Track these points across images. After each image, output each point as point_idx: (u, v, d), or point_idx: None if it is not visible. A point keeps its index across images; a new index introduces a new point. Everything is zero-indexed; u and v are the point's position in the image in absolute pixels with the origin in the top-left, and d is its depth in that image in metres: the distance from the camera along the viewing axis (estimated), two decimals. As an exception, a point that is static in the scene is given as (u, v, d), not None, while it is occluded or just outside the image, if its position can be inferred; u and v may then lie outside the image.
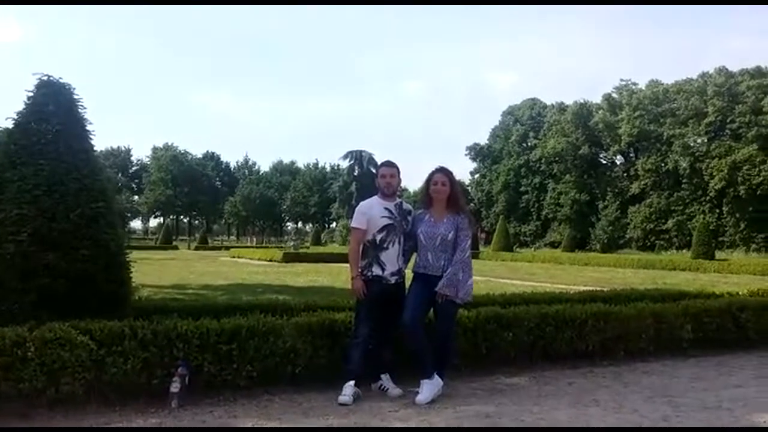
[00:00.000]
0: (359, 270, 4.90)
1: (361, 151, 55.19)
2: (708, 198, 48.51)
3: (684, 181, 50.38)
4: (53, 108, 4.86)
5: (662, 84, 55.44)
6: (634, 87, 57.06)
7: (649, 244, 51.43)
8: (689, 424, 4.13)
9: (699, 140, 50.36)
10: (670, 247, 49.47)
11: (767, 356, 6.59)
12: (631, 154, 57.59)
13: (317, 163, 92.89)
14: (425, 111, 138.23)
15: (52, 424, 3.88)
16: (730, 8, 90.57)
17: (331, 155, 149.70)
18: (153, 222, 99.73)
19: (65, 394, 4.04)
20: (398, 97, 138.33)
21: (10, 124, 4.87)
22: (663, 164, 51.92)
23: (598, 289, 9.44)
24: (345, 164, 59.84)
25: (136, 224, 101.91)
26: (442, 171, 4.95)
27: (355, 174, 55.26)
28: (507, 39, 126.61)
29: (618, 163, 59.63)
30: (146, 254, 32.32)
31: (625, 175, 56.73)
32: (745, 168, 45.09)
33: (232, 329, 4.59)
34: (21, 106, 4.88)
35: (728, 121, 47.96)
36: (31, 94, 4.89)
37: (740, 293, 8.03)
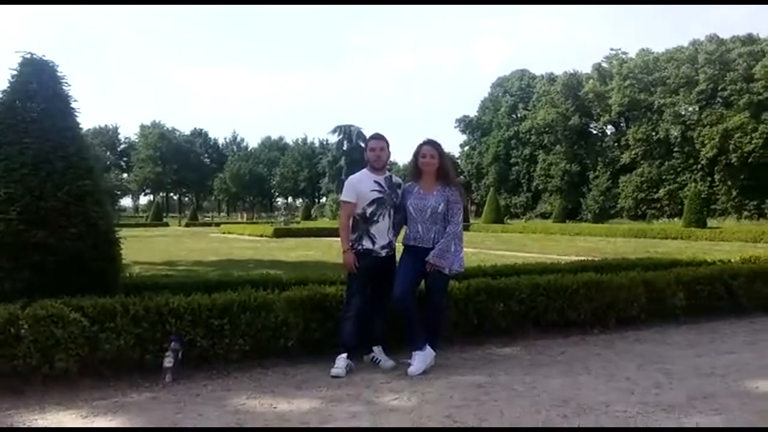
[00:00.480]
0: (350, 243, 4.89)
1: (349, 126, 54.97)
2: (699, 166, 48.72)
3: (675, 149, 50.51)
4: (37, 86, 4.80)
5: (653, 53, 55.22)
6: (624, 56, 56.79)
7: (640, 213, 51.74)
8: (682, 390, 4.19)
9: (690, 108, 50.39)
10: (661, 216, 49.82)
11: (759, 322, 6.68)
12: (622, 124, 57.59)
13: (306, 139, 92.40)
14: (413, 84, 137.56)
15: (46, 401, 3.88)
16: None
17: (319, 130, 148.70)
18: (143, 200, 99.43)
19: (59, 370, 4.04)
20: (386, 70, 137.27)
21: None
22: (654, 133, 51.98)
23: (590, 258, 9.50)
24: (334, 139, 59.66)
25: (127, 202, 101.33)
26: (431, 143, 4.92)
27: (344, 149, 55.11)
28: (495, 10, 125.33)
29: (608, 133, 59.65)
30: (137, 232, 32.27)
31: (615, 144, 56.78)
32: (736, 135, 45.23)
33: (224, 304, 4.59)
34: (4, 85, 4.80)
35: (719, 88, 47.94)
36: (14, 72, 4.82)
37: (732, 260, 8.10)
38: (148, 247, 18.81)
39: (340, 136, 56.19)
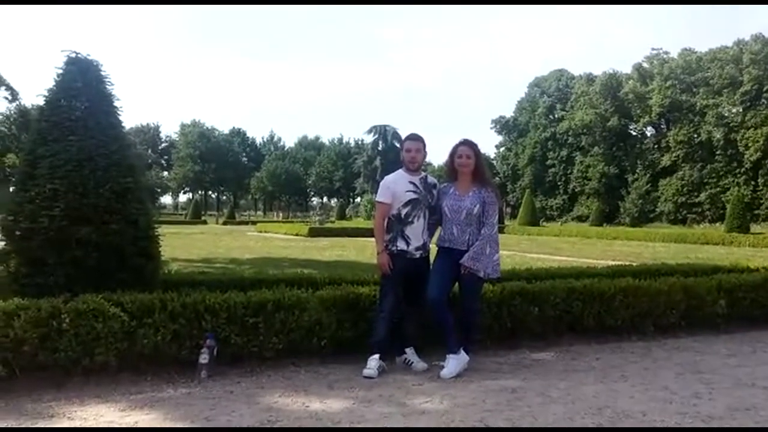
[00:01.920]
0: (384, 244, 4.89)
1: (385, 126, 55.01)
2: (743, 170, 47.37)
3: (718, 152, 49.20)
4: (81, 85, 4.90)
5: (695, 52, 53.90)
6: (665, 56, 55.59)
7: (680, 217, 50.57)
8: (722, 401, 4.07)
9: (734, 110, 49.00)
10: (702, 220, 48.54)
11: (802, 332, 6.45)
12: (662, 126, 56.35)
13: (341, 138, 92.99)
14: (450, 84, 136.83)
15: (85, 393, 3.99)
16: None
17: (355, 130, 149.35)
18: (182, 197, 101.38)
19: (99, 364, 4.15)
20: (422, 70, 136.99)
21: (41, 102, 4.94)
22: (696, 135, 50.72)
23: (628, 263, 9.30)
24: (369, 139, 59.80)
25: (166, 200, 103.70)
26: (467, 144, 4.88)
27: (379, 149, 55.17)
28: (532, 9, 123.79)
29: (648, 134, 58.44)
30: (176, 229, 32.87)
31: (655, 147, 55.59)
32: (782, 139, 43.80)
33: (259, 302, 4.65)
34: (51, 84, 4.93)
35: (765, 90, 46.47)
36: (60, 71, 4.93)
37: (775, 268, 7.82)
38: (186, 245, 19.15)
39: (376, 136, 56.30)
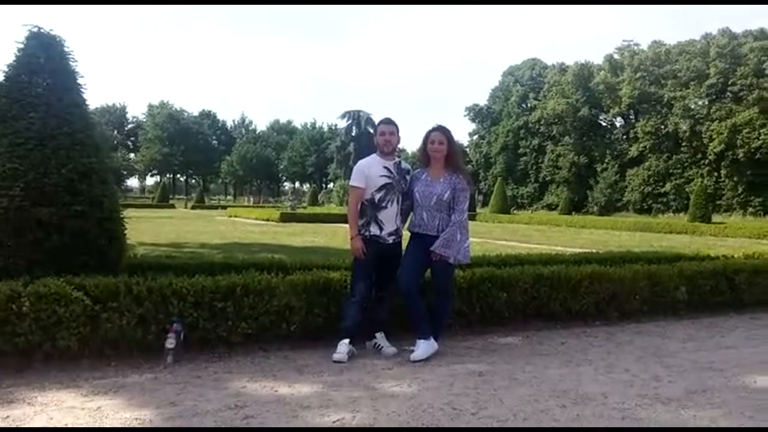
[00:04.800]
0: (358, 229, 4.87)
1: (358, 111, 54.70)
2: (707, 161, 48.37)
3: (683, 143, 50.14)
4: (43, 60, 4.75)
5: (665, 45, 54.64)
6: (636, 48, 56.24)
7: (646, 207, 51.50)
8: (680, 383, 4.18)
9: (700, 102, 49.92)
10: (667, 210, 49.57)
11: (759, 318, 6.67)
12: (632, 117, 57.16)
13: (314, 123, 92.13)
14: (424, 71, 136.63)
15: (46, 379, 3.91)
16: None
17: (328, 115, 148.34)
18: (150, 180, 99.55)
19: (61, 349, 4.07)
20: (398, 56, 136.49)
21: (0, 77, 4.76)
22: (663, 127, 51.58)
23: (594, 251, 9.46)
24: (342, 124, 59.36)
25: (133, 182, 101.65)
26: (440, 129, 4.88)
27: (353, 134, 54.86)
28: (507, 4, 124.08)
29: (618, 125, 59.21)
30: (143, 212, 32.35)
31: (624, 137, 56.42)
32: (744, 131, 44.84)
33: (227, 287, 4.59)
34: (11, 59, 4.76)
35: (730, 83, 47.45)
36: (21, 45, 4.76)
37: (735, 256, 8.06)
38: (153, 229, 18.85)
39: (349, 122, 55.91)
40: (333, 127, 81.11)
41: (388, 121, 5.03)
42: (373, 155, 5.02)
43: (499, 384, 4.07)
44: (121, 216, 5.05)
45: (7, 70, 4.72)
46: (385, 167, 4.89)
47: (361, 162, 5.04)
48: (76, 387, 3.80)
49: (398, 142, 5.04)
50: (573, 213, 44.25)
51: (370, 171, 4.88)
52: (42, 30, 4.80)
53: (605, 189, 53.71)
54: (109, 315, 4.18)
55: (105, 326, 4.17)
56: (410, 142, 74.11)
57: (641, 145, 52.79)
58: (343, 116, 55.65)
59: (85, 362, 4.18)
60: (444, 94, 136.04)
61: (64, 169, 4.51)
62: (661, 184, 51.24)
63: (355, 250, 4.84)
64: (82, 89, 4.95)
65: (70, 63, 4.89)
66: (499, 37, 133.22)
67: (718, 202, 45.45)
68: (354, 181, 4.94)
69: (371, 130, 41.47)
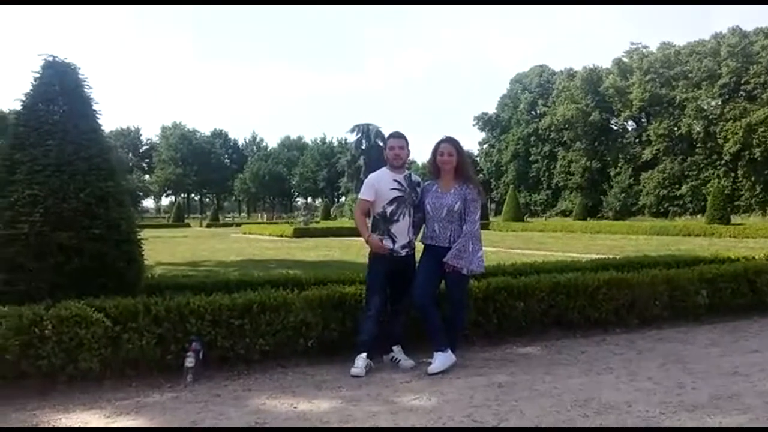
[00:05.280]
0: (368, 231, 4.89)
1: (368, 125, 54.86)
2: (723, 162, 47.96)
3: (698, 145, 49.77)
4: (59, 88, 4.85)
5: (674, 46, 54.47)
6: (644, 50, 56.11)
7: (662, 210, 51.08)
8: (705, 390, 4.13)
9: (713, 103, 49.58)
10: (684, 212, 49.14)
11: (782, 320, 6.55)
12: (643, 120, 56.89)
13: (324, 138, 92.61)
14: (432, 82, 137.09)
15: (70, 401, 3.95)
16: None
17: (338, 130, 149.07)
18: (165, 200, 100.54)
19: (83, 370, 4.11)
20: (405, 69, 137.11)
21: (18, 106, 4.87)
22: (676, 128, 51.26)
23: (611, 256, 9.38)
24: (352, 138, 59.57)
25: (149, 203, 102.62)
26: (449, 141, 4.89)
27: (363, 148, 54.99)
28: (513, 6, 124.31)
29: (629, 128, 58.97)
30: (159, 232, 32.62)
31: (637, 140, 56.13)
32: (760, 130, 44.44)
33: (244, 304, 4.62)
34: (28, 88, 4.86)
35: (743, 82, 47.13)
36: (37, 74, 4.87)
37: (756, 257, 7.95)
38: (170, 248, 19.00)
39: (359, 135, 56.08)
40: (343, 142, 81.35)
41: (397, 135, 5.06)
42: (384, 169, 5.05)
43: (520, 395, 4.05)
44: (139, 237, 5.11)
45: (24, 99, 4.83)
46: (396, 180, 4.91)
47: (371, 176, 5.07)
48: (99, 408, 3.83)
49: (408, 155, 5.06)
50: (588, 219, 43.95)
51: (380, 185, 4.91)
52: (57, 59, 4.91)
53: (619, 193, 53.40)
54: (129, 336, 4.22)
55: (125, 347, 4.21)
56: (420, 153, 74.20)
57: (655, 147, 52.46)
58: (352, 130, 55.83)
59: (106, 383, 4.21)
60: (452, 104, 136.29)
61: (81, 194, 4.58)
62: (676, 186, 50.83)
63: (375, 246, 4.82)
64: (97, 114, 5.04)
65: (85, 90, 4.98)
66: (505, 44, 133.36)
67: (736, 203, 45.00)
68: (363, 194, 4.96)
69: (381, 144, 41.57)
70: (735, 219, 33.81)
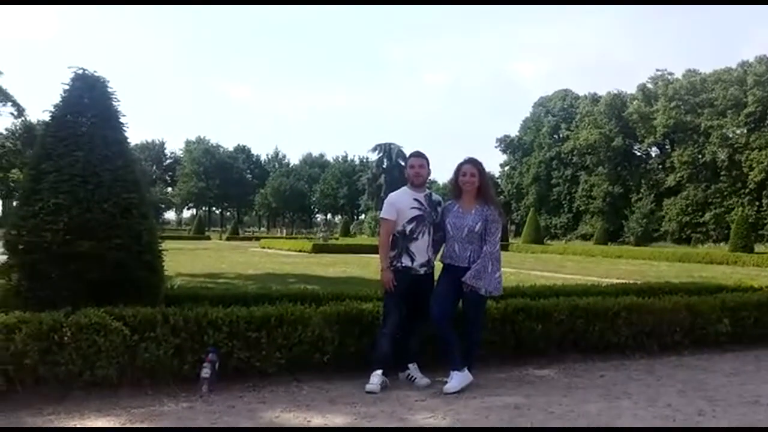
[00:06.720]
0: (389, 261, 4.89)
1: (389, 144, 55.24)
2: (747, 190, 47.31)
3: (722, 173, 49.18)
4: (88, 101, 4.95)
5: (699, 73, 54.14)
6: (669, 77, 55.85)
7: (684, 237, 50.42)
8: (725, 419, 4.03)
9: (738, 131, 49.07)
10: (707, 240, 48.40)
11: (807, 351, 6.40)
12: (667, 146, 56.44)
13: (346, 156, 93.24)
14: (454, 103, 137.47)
15: (86, 407, 3.98)
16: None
17: (359, 148, 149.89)
18: (186, 213, 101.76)
19: (100, 377, 4.14)
20: (427, 88, 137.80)
21: (47, 117, 4.99)
22: (700, 156, 50.75)
23: (631, 282, 9.27)
24: (374, 157, 60.00)
25: (170, 215, 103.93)
26: (471, 162, 4.91)
27: (384, 166, 55.32)
28: (536, 28, 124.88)
29: (653, 155, 58.47)
30: (180, 244, 32.87)
31: (660, 167, 55.62)
32: (786, 160, 43.77)
33: (261, 317, 4.64)
34: (57, 99, 4.99)
35: (769, 111, 46.56)
36: (66, 87, 4.98)
37: (780, 287, 7.78)
38: (190, 260, 19.17)
39: (380, 154, 56.52)
40: (364, 160, 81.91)
41: (418, 154, 5.09)
42: (404, 188, 5.07)
43: (536, 417, 3.99)
44: (160, 248, 5.18)
45: (53, 110, 4.94)
46: (416, 199, 4.93)
47: (391, 195, 5.09)
48: (114, 416, 3.86)
49: (429, 174, 5.09)
50: (608, 243, 43.46)
51: (400, 203, 4.92)
52: (86, 72, 5.02)
53: (641, 219, 52.77)
54: (146, 345, 4.26)
55: (143, 356, 4.25)
56: (441, 173, 74.22)
57: (678, 174, 51.96)
58: (374, 149, 56.27)
59: (123, 391, 4.24)
60: (474, 126, 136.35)
61: (106, 204, 4.66)
62: (699, 213, 50.18)
63: (385, 282, 4.85)
64: (124, 127, 5.13)
65: (113, 103, 5.08)
66: (530, 68, 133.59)
67: (760, 232, 44.22)
68: (385, 213, 4.98)
69: (402, 163, 41.73)
70: (759, 248, 33.16)
